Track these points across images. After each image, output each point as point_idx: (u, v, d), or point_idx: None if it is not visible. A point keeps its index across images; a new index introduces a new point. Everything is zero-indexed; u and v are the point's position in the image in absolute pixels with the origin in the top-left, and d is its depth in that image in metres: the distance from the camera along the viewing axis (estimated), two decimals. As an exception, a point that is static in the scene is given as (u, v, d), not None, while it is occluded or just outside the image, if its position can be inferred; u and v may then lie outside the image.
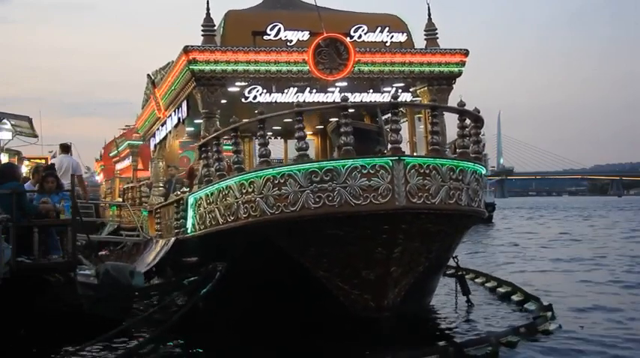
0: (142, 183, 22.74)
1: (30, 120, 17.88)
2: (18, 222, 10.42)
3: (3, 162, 18.27)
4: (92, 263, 14.48)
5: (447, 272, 14.42)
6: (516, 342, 10.07)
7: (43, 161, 23.44)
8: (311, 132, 19.64)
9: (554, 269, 20.76)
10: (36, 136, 20.11)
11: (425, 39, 14.73)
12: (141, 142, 28.46)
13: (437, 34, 14.69)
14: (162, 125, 17.80)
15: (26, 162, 23.83)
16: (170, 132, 16.74)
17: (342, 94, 11.58)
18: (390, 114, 10.39)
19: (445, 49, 14.33)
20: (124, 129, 35.25)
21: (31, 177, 13.48)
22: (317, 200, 9.69)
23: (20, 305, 10.56)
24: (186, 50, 12.84)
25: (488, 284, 15.74)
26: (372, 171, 9.59)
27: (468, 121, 10.91)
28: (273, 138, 20.70)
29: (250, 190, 10.34)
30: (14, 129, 18.73)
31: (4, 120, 17.23)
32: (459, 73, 14.43)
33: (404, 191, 9.55)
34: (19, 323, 10.73)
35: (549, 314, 11.70)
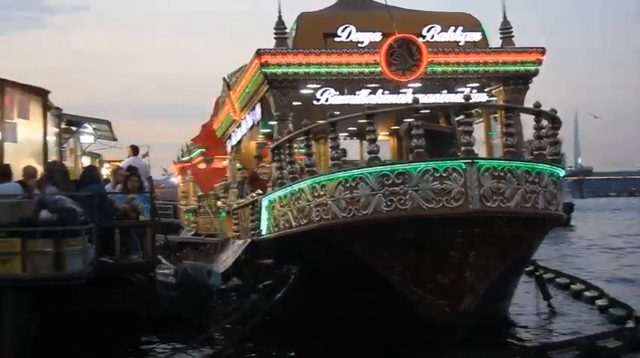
0: (219, 185, 23.13)
1: (109, 124, 18.42)
2: (100, 224, 10.70)
3: (85, 164, 18.92)
4: (171, 263, 14.84)
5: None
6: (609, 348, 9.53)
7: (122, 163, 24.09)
8: (386, 133, 19.53)
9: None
10: (115, 139, 20.71)
11: (500, 37, 14.42)
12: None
13: (512, 32, 14.34)
14: (237, 127, 18.05)
15: (106, 165, 24.52)
16: (245, 134, 16.96)
17: (414, 96, 11.46)
18: (462, 116, 10.22)
19: (521, 48, 14.00)
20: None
21: (111, 179, 13.85)
22: (389, 203, 9.60)
23: (104, 303, 10.91)
24: (259, 53, 12.95)
25: (573, 287, 15.24)
26: (444, 174, 9.44)
27: (544, 122, 10.63)
28: (348, 138, 20.68)
29: (322, 193, 10.34)
30: (95, 133, 19.34)
31: (86, 124, 17.80)
32: (536, 72, 14.06)
33: (477, 194, 9.37)
34: (102, 321, 11.06)
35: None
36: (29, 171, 11.95)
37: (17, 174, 11.57)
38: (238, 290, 14.19)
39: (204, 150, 30.17)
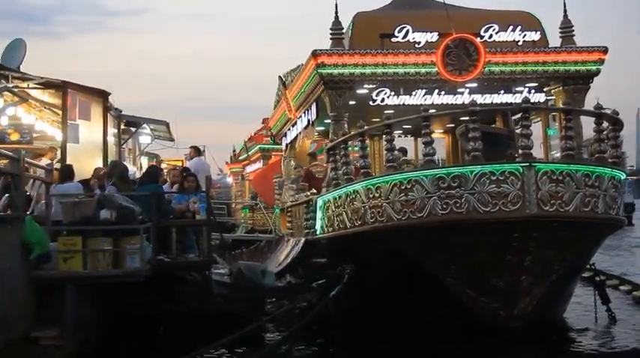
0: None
1: (167, 125, 18.73)
2: (158, 223, 10.89)
3: (144, 164, 19.29)
4: (226, 261, 15.01)
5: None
6: None
7: (180, 163, 24.48)
8: (442, 131, 19.35)
9: None
10: (172, 140, 21.08)
11: (560, 36, 14.11)
12: (272, 146, 29.07)
13: (573, 31, 14.03)
14: (292, 125, 18.11)
15: (163, 165, 24.87)
16: (300, 132, 17.03)
17: (471, 98, 11.35)
18: (520, 116, 10.08)
19: (582, 47, 13.68)
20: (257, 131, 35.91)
21: (168, 179, 14.04)
22: (444, 206, 9.57)
23: (160, 301, 11.09)
24: (315, 54, 12.98)
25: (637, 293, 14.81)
26: (501, 178, 9.37)
27: (605, 124, 10.41)
28: (403, 136, 20.59)
29: (377, 195, 10.34)
30: (153, 134, 19.69)
31: (144, 125, 18.11)
32: (597, 72, 13.72)
33: (535, 198, 9.28)
34: (159, 320, 11.27)
35: None
36: (98, 174, 12.25)
37: (78, 174, 11.85)
38: (292, 288, 14.30)
39: (263, 146, 30.50)
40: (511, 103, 13.94)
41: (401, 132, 19.76)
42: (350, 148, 12.74)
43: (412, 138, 20.42)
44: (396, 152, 11.41)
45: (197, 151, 16.39)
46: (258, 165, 31.96)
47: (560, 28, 14.20)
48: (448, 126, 18.83)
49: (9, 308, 8.40)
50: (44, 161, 13.44)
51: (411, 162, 15.84)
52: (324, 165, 15.23)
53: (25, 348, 8.59)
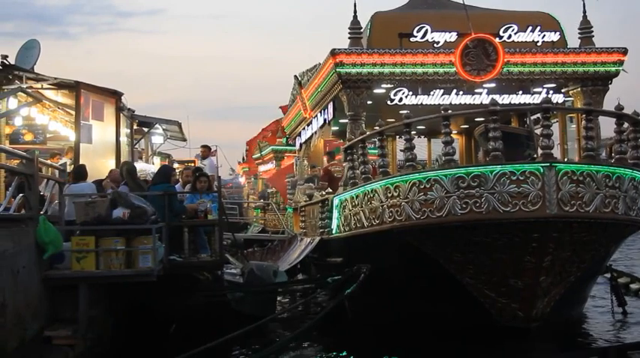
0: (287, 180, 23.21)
1: (179, 125, 18.66)
2: (170, 222, 10.87)
3: (156, 164, 19.27)
4: (238, 261, 15.04)
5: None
6: None
7: (192, 163, 24.49)
8: (455, 132, 19.35)
9: None
10: (185, 140, 21.05)
11: (579, 37, 14.09)
12: (285, 148, 29.18)
13: (592, 31, 13.99)
14: (307, 125, 18.11)
15: (175, 165, 24.87)
16: (315, 132, 17.02)
17: (491, 98, 11.33)
18: (539, 115, 10.05)
19: (601, 48, 13.63)
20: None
21: (180, 179, 14.06)
22: (464, 206, 9.53)
23: (172, 301, 11.08)
24: (334, 53, 13.00)
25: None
26: (521, 178, 9.33)
27: (625, 125, 10.36)
28: (416, 136, 20.56)
29: (396, 194, 10.31)
30: (165, 134, 19.69)
31: (157, 125, 18.09)
32: (616, 73, 13.68)
33: (555, 198, 9.23)
34: (171, 319, 11.25)
35: None
36: (112, 176, 12.25)
37: (92, 175, 11.83)
38: (305, 285, 14.30)
39: (275, 148, 30.63)
40: (530, 104, 13.94)
41: (415, 133, 19.75)
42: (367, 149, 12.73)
43: (426, 139, 20.43)
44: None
45: (209, 150, 16.37)
46: (271, 165, 32.12)
47: (579, 28, 14.18)
48: (462, 126, 18.84)
49: (23, 308, 8.36)
50: (64, 160, 13.44)
51: (419, 163, 15.76)
52: (343, 164, 15.23)
53: (39, 347, 8.58)
